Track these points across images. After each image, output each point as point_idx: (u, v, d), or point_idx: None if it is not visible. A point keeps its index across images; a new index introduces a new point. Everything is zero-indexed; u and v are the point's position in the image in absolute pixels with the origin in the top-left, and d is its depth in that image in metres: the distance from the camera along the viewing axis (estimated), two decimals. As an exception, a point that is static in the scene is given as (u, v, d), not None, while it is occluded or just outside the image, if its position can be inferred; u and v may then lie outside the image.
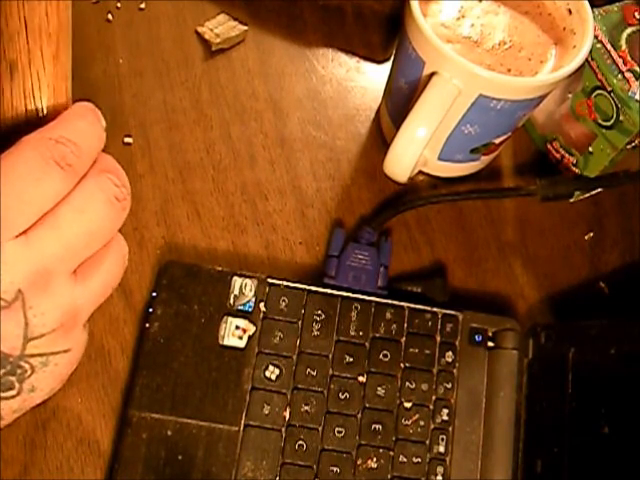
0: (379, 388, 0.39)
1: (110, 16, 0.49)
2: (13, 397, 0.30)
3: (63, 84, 0.31)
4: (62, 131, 0.29)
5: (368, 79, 0.51)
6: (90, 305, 0.32)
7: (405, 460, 0.38)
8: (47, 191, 0.28)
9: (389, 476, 0.38)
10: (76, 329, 0.31)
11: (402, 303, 0.41)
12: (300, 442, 0.38)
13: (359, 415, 0.39)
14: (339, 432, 0.38)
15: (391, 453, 0.38)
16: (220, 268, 0.40)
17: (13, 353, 0.28)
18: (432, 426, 0.39)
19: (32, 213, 0.28)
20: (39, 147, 0.28)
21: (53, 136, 0.29)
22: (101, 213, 0.30)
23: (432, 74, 0.38)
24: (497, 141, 0.43)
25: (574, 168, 0.47)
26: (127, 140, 0.45)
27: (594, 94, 0.42)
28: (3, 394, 0.29)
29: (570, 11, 0.40)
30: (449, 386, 0.40)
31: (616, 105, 0.41)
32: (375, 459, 0.38)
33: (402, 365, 0.40)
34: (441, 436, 0.39)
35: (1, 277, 0.27)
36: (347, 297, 0.41)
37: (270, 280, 0.41)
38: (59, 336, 0.30)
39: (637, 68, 0.41)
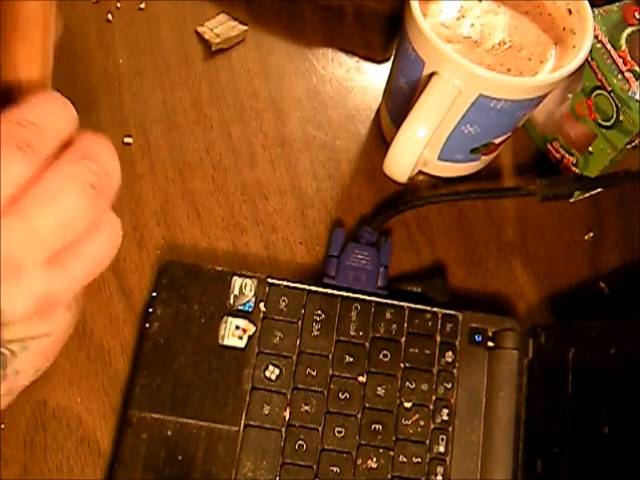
0: (379, 388, 0.39)
1: (110, 16, 0.49)
2: None
3: None
4: (21, 113, 0.27)
5: (368, 79, 0.51)
6: (70, 290, 0.30)
7: (405, 460, 0.38)
8: (6, 176, 0.26)
9: (389, 476, 0.38)
10: (55, 313, 0.31)
11: (402, 303, 0.41)
12: (300, 442, 0.38)
13: (359, 415, 0.39)
14: (339, 432, 0.38)
15: (391, 453, 0.38)
16: (220, 268, 0.40)
17: None
18: (432, 426, 0.39)
19: None
20: None
21: (10, 119, 0.27)
22: (74, 203, 0.27)
23: (432, 74, 0.38)
24: (497, 141, 0.43)
25: (574, 168, 0.47)
26: (127, 140, 0.45)
27: (594, 94, 0.42)
28: None
29: (570, 11, 0.40)
30: (449, 386, 0.40)
31: (616, 105, 0.41)
32: (375, 459, 0.38)
33: (402, 365, 0.40)
34: (441, 436, 0.39)
35: None
36: (347, 297, 0.41)
37: (270, 280, 0.41)
38: (36, 322, 0.30)
39: (637, 68, 0.41)
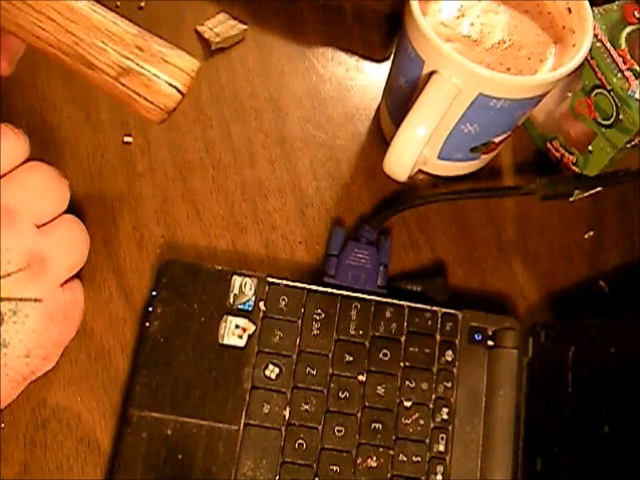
0: (379, 387, 0.39)
1: (110, 15, 0.49)
2: None
3: None
4: None
5: (368, 78, 0.51)
6: (57, 255, 0.34)
7: (405, 459, 0.38)
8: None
9: (389, 475, 0.38)
10: (47, 278, 0.33)
11: (402, 302, 0.41)
12: (300, 441, 0.38)
13: (359, 414, 0.39)
14: (339, 431, 0.38)
15: (391, 452, 0.38)
16: (220, 267, 0.40)
17: None
18: (432, 425, 0.39)
19: None
20: None
21: None
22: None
23: (432, 73, 0.38)
24: (497, 140, 0.43)
25: (574, 167, 0.47)
26: (127, 139, 0.45)
27: (594, 93, 0.42)
28: None
29: (570, 10, 0.40)
30: (449, 385, 0.40)
31: (616, 104, 0.41)
32: (375, 458, 0.38)
33: (402, 364, 0.40)
34: (441, 435, 0.39)
35: None
36: (347, 296, 0.41)
37: (270, 279, 0.41)
38: (27, 278, 0.32)
39: (637, 67, 0.41)
